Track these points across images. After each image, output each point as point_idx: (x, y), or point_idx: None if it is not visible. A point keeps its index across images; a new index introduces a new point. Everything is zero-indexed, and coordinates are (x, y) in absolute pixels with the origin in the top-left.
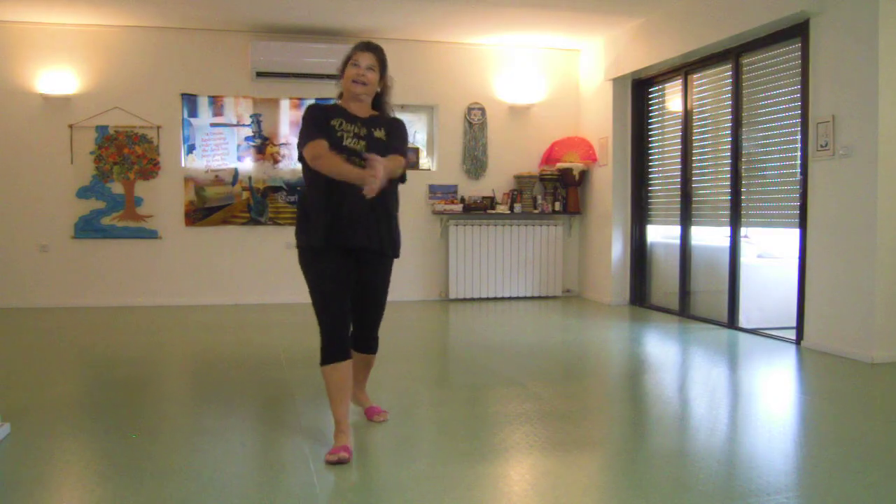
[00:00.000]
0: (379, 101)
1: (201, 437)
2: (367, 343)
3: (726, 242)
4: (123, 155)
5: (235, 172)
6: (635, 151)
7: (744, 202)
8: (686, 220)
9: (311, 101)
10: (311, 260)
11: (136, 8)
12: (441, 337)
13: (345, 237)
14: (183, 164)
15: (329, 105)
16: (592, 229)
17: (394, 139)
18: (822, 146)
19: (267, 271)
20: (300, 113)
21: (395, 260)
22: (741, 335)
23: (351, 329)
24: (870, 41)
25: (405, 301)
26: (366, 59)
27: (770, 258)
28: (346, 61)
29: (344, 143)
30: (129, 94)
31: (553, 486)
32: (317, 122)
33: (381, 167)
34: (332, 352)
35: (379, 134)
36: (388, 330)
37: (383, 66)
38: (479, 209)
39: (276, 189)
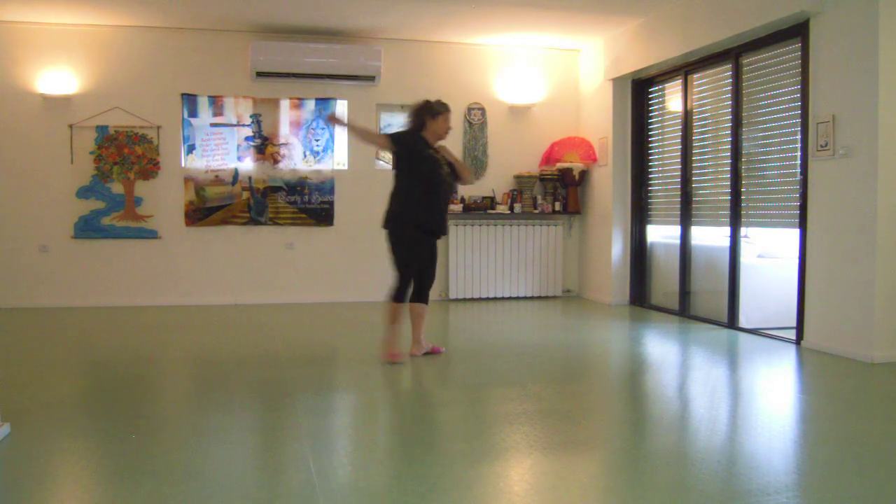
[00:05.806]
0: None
1: (201, 437)
2: (423, 296)
3: (726, 242)
4: (123, 155)
5: (235, 172)
6: (635, 151)
7: (744, 202)
8: (686, 220)
9: (394, 130)
10: (409, 235)
11: (136, 8)
12: (441, 337)
13: (433, 224)
14: (183, 164)
15: (418, 136)
16: (592, 229)
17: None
18: (822, 146)
19: (267, 271)
20: (300, 113)
21: None
22: (741, 335)
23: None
24: (870, 41)
25: None
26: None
27: (770, 258)
28: (438, 114)
29: (442, 167)
30: (128, 94)
31: (553, 486)
32: (410, 147)
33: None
34: (400, 296)
35: (443, 160)
36: None
37: None
38: (479, 209)
39: (276, 189)
